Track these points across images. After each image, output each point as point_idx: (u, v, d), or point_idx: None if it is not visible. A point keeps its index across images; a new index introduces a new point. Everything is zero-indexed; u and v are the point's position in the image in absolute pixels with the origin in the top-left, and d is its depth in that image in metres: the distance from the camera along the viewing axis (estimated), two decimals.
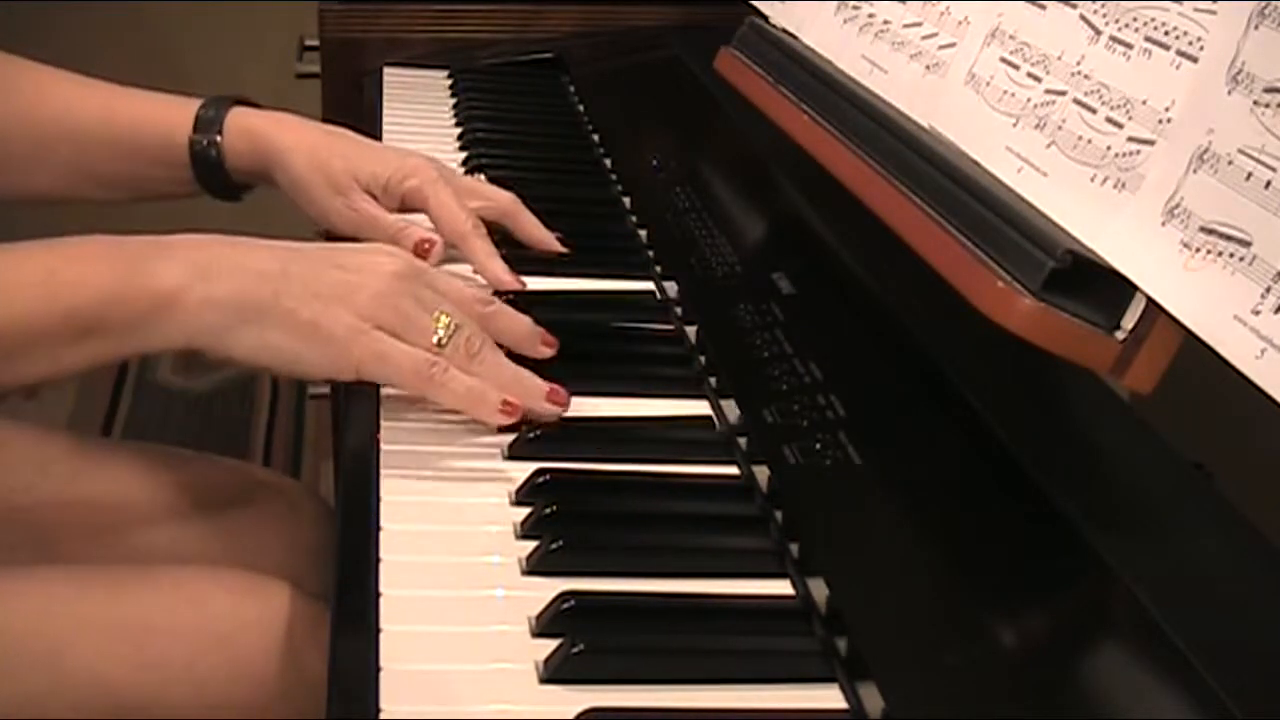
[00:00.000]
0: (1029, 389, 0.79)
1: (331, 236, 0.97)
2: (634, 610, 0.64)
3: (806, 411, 0.76)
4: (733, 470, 0.76)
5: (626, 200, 1.11)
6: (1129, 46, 0.71)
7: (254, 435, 2.29)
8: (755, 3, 1.14)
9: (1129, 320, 0.66)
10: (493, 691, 0.58)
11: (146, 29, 2.35)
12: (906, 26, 0.92)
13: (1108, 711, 0.57)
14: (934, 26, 0.89)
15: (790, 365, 0.80)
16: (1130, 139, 0.69)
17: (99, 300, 0.73)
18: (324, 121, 1.17)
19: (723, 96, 1.15)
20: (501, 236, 0.98)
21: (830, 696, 0.60)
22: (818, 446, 0.73)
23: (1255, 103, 0.61)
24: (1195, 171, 0.64)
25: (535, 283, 0.94)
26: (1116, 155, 0.69)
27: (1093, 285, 0.67)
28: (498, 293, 0.90)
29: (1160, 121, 0.67)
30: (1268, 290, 0.58)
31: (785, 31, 1.08)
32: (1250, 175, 0.61)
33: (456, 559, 0.67)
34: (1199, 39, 0.66)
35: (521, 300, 0.91)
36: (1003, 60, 0.81)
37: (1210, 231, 0.62)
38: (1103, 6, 0.74)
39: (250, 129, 0.98)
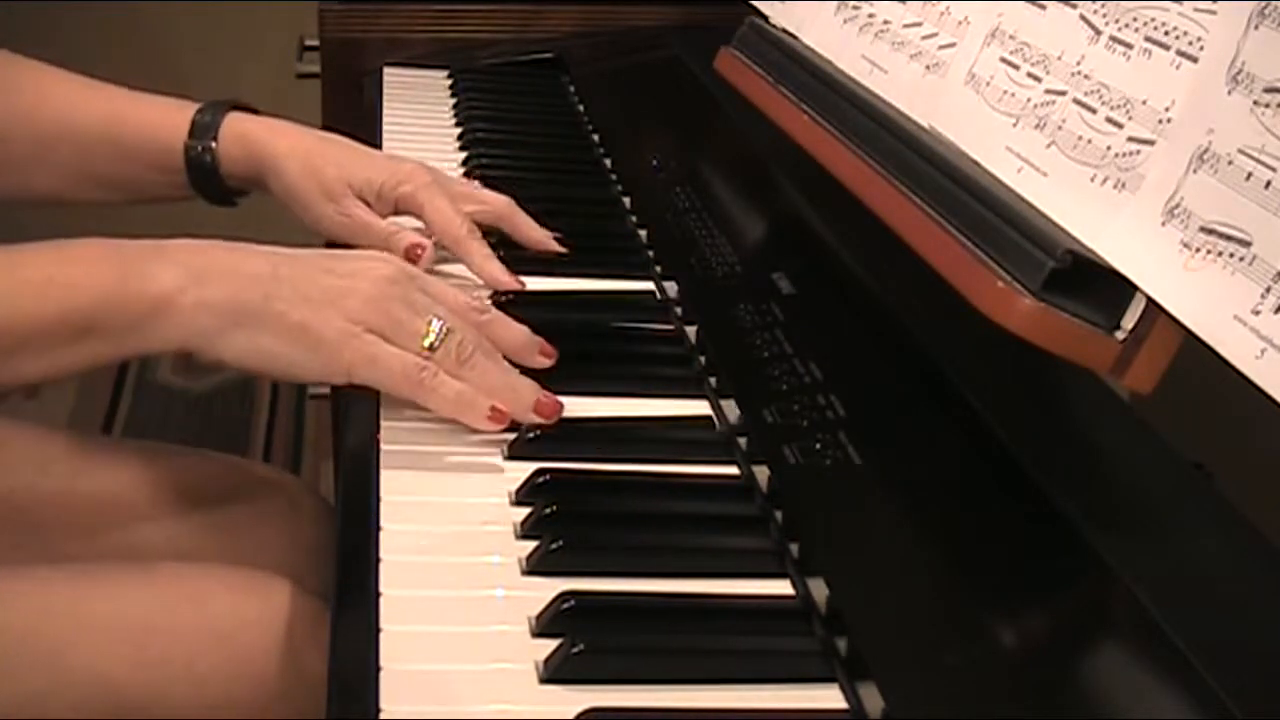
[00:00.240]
0: (1029, 389, 0.79)
1: (333, 244, 0.97)
2: (634, 610, 0.64)
3: (806, 411, 0.76)
4: (733, 470, 0.76)
5: (626, 200, 1.11)
6: (1129, 46, 0.71)
7: (254, 435, 2.29)
8: (755, 3, 1.14)
9: (1129, 320, 0.66)
10: (493, 691, 0.58)
11: (147, 29, 2.35)
12: (906, 26, 0.92)
13: (1108, 711, 0.57)
14: (934, 26, 0.89)
15: (790, 365, 0.80)
16: (1130, 139, 0.69)
17: (96, 302, 0.73)
18: (324, 122, 1.18)
19: (723, 96, 1.15)
20: (499, 239, 0.98)
21: (830, 696, 0.60)
22: (818, 446, 0.73)
23: (1255, 103, 0.61)
24: (1195, 171, 0.64)
25: (535, 283, 0.94)
26: (1116, 155, 0.69)
27: (1093, 285, 0.67)
28: (498, 298, 0.90)
29: (1160, 121, 0.67)
30: (1268, 290, 0.58)
31: (785, 31, 1.08)
32: (1250, 175, 0.61)
33: (456, 559, 0.67)
34: (1199, 39, 0.66)
35: (521, 300, 0.91)
36: (1003, 60, 0.81)
37: (1210, 231, 0.62)
38: (1103, 6, 0.74)
39: (245, 135, 0.98)
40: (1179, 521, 0.69)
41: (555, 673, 0.59)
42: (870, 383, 0.80)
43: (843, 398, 0.76)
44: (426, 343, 0.76)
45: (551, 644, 0.60)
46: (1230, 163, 0.62)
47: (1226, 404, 0.68)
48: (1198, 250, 0.62)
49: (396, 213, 0.97)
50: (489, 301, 0.85)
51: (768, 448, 0.74)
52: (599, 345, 0.88)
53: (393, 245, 0.93)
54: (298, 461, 2.23)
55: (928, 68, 0.88)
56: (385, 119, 1.25)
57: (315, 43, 1.44)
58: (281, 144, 0.98)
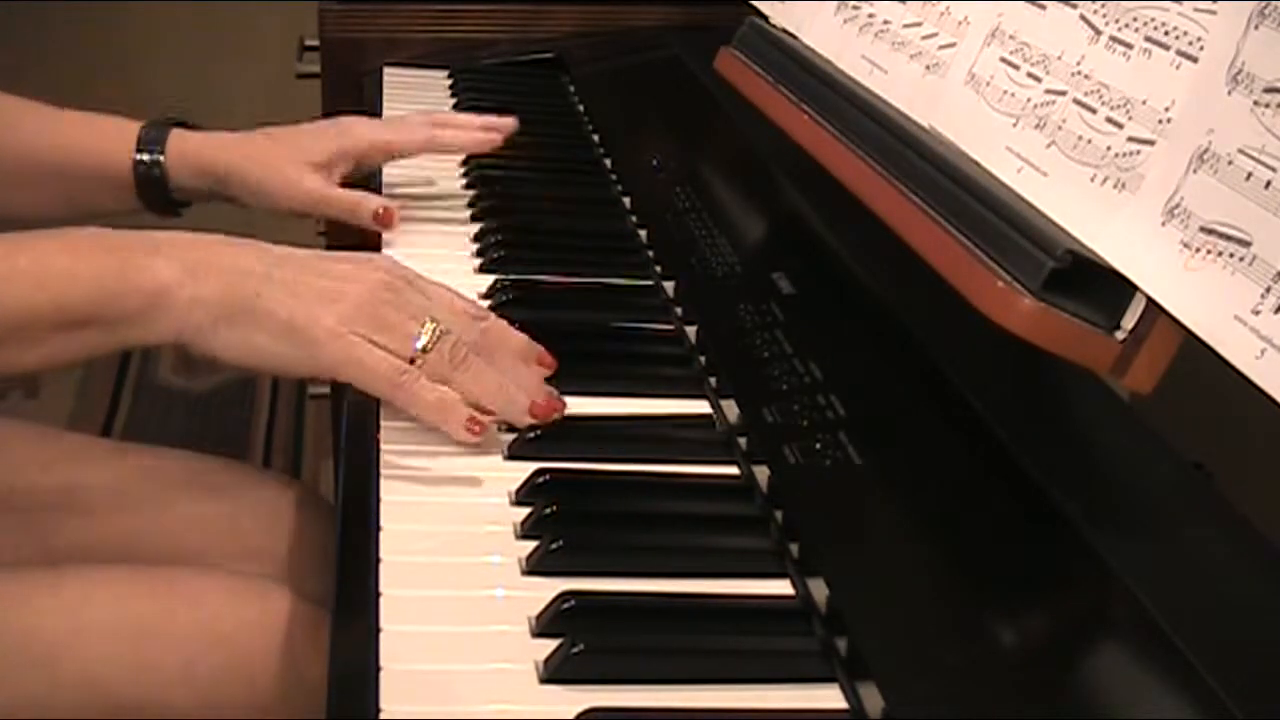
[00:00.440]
0: (1029, 389, 0.79)
1: (331, 245, 0.99)
2: (634, 610, 0.64)
3: (806, 411, 0.76)
4: (733, 470, 0.76)
5: (626, 200, 1.11)
6: (1129, 46, 0.71)
7: (254, 435, 2.29)
8: (755, 3, 1.14)
9: (1129, 320, 0.66)
10: (493, 691, 0.58)
11: (147, 29, 2.35)
12: (906, 26, 0.92)
13: (1108, 711, 0.57)
14: (934, 26, 0.89)
15: (790, 365, 0.80)
16: (1130, 139, 0.69)
17: (93, 293, 0.74)
18: None
19: (723, 96, 1.15)
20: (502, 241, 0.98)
21: (830, 696, 0.60)
22: (818, 446, 0.73)
23: (1255, 103, 0.61)
24: (1195, 171, 0.64)
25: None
26: (1116, 155, 0.69)
27: (1093, 285, 0.67)
28: (502, 296, 0.90)
29: (1160, 121, 0.67)
30: (1268, 290, 0.58)
31: (785, 31, 1.08)
32: (1250, 175, 0.61)
33: (456, 559, 0.67)
34: (1199, 39, 0.66)
35: (521, 300, 0.91)
36: (1003, 60, 0.81)
37: (1210, 231, 0.62)
38: (1103, 6, 0.74)
39: (196, 152, 1.02)
40: (1179, 521, 0.69)
41: (555, 673, 0.59)
42: (870, 383, 0.80)
43: (843, 398, 0.76)
44: (420, 344, 0.75)
45: (551, 644, 0.60)
46: (1230, 163, 0.62)
47: (1226, 404, 0.68)
48: (1198, 250, 0.62)
49: (359, 165, 1.04)
50: (488, 310, 0.85)
51: (768, 448, 0.74)
52: (599, 345, 0.88)
53: (360, 212, 1.00)
54: (298, 461, 2.23)
55: (928, 68, 0.88)
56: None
57: (315, 43, 1.44)
58: (235, 153, 1.01)
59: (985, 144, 0.79)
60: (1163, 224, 0.65)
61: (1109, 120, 0.71)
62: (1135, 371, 0.65)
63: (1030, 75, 0.78)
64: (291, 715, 0.83)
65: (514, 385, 0.77)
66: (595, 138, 1.26)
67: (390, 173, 1.10)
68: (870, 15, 0.97)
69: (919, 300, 0.81)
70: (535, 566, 0.66)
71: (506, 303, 0.91)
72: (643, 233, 1.05)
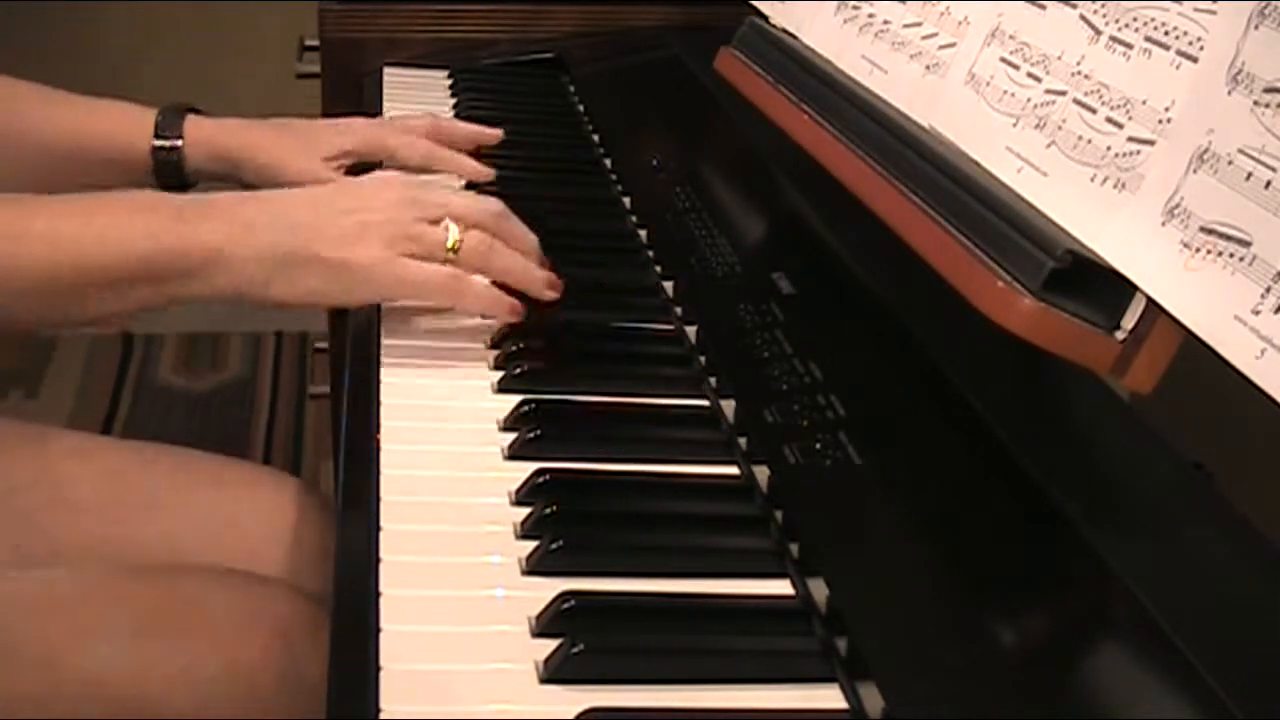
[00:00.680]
0: (1029, 389, 0.79)
1: None
2: (634, 610, 0.64)
3: (806, 411, 0.76)
4: (733, 470, 0.76)
5: (626, 200, 1.11)
6: (1129, 46, 0.71)
7: (254, 435, 2.29)
8: (755, 3, 1.14)
9: (1129, 320, 0.66)
10: (493, 691, 0.58)
11: (147, 29, 2.35)
12: (906, 26, 0.92)
13: (1108, 711, 0.57)
14: (934, 26, 0.89)
15: (790, 365, 0.80)
16: (1130, 139, 0.69)
17: (152, 252, 0.79)
18: None
19: (723, 96, 1.15)
20: None
21: (830, 696, 0.60)
22: (818, 446, 0.73)
23: (1255, 103, 0.61)
24: (1195, 171, 0.64)
25: None
26: (1116, 155, 0.69)
27: (1093, 285, 0.67)
28: None
29: (1160, 121, 0.67)
30: (1268, 290, 0.58)
31: (785, 31, 1.08)
32: (1250, 175, 0.61)
33: (456, 559, 0.67)
34: (1199, 39, 0.66)
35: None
36: (1003, 60, 0.81)
37: (1210, 231, 0.62)
38: (1103, 6, 0.74)
39: (211, 138, 1.04)
40: (1179, 521, 0.69)
41: (555, 673, 0.59)
42: (870, 383, 0.80)
43: (843, 398, 0.76)
44: (449, 246, 0.82)
45: (551, 644, 0.60)
46: (1230, 163, 0.62)
47: (1226, 404, 0.68)
48: (1198, 250, 0.62)
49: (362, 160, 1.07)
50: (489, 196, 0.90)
51: (768, 448, 0.74)
52: (599, 345, 0.88)
53: None
54: (298, 461, 2.23)
55: (928, 68, 0.88)
56: None
57: (315, 43, 1.44)
58: (247, 139, 1.05)
59: (985, 144, 0.79)
60: (1163, 224, 0.65)
61: (1109, 120, 0.71)
62: (1135, 371, 0.65)
63: (1030, 75, 0.78)
64: (291, 712, 0.83)
65: (533, 265, 0.86)
66: (595, 138, 1.26)
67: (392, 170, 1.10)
68: (870, 15, 0.97)
69: (919, 300, 0.81)
70: (535, 566, 0.66)
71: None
72: (643, 233, 1.05)
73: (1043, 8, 0.79)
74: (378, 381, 0.81)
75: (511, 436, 0.76)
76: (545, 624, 0.62)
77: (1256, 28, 0.63)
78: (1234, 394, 0.58)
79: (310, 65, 1.48)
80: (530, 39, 1.44)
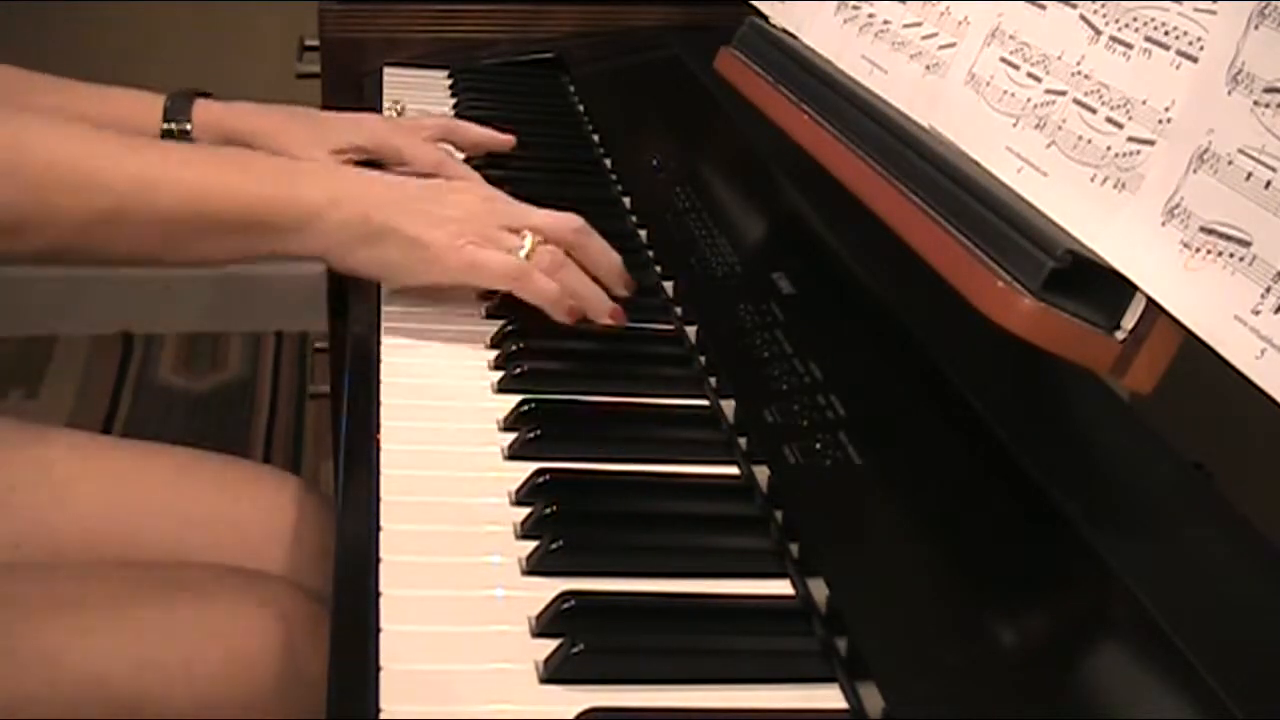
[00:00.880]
0: (1029, 389, 0.79)
1: None
2: (634, 610, 0.64)
3: (806, 411, 0.76)
4: (733, 470, 0.76)
5: (626, 200, 1.11)
6: (1129, 46, 0.71)
7: (254, 435, 2.29)
8: (755, 3, 1.14)
9: (1129, 320, 0.66)
10: (493, 691, 0.58)
11: (147, 28, 2.35)
12: (906, 26, 0.92)
13: (1107, 711, 0.57)
14: (934, 26, 0.89)
15: (790, 365, 0.80)
16: (1130, 139, 0.69)
17: (262, 206, 0.85)
18: None
19: (723, 96, 1.15)
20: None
21: (830, 696, 0.60)
22: (818, 446, 0.73)
23: (1255, 103, 0.61)
24: (1195, 171, 0.64)
25: None
26: (1116, 155, 0.69)
27: (1093, 285, 0.67)
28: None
29: (1160, 121, 0.67)
30: (1268, 290, 0.58)
31: (785, 31, 1.08)
32: (1250, 175, 0.61)
33: (456, 559, 0.67)
34: (1199, 39, 0.66)
35: (520, 299, 0.91)
36: (1003, 60, 0.81)
37: (1210, 231, 0.62)
38: (1103, 6, 0.74)
39: (219, 121, 1.05)
40: (1179, 521, 0.69)
41: (555, 673, 0.59)
42: (870, 383, 0.80)
43: (843, 398, 0.76)
44: (522, 254, 0.87)
45: (551, 644, 0.60)
46: (1230, 163, 0.62)
47: (1226, 404, 0.68)
48: (1198, 250, 0.62)
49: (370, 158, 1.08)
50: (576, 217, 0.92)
51: (768, 448, 0.74)
52: (599, 345, 0.88)
53: None
54: (298, 461, 2.23)
55: (928, 68, 0.88)
56: None
57: (315, 43, 1.44)
58: (256, 123, 1.06)
59: (985, 144, 0.79)
60: (1163, 224, 0.65)
61: (1109, 120, 0.71)
62: (1135, 371, 0.65)
63: (1030, 75, 0.78)
64: (291, 713, 0.83)
65: (600, 289, 0.89)
66: (595, 138, 1.26)
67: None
68: (870, 15, 0.97)
69: (919, 300, 0.81)
70: (535, 566, 0.66)
71: (505, 304, 0.91)
72: (643, 233, 1.05)
73: (1043, 8, 0.79)
74: (378, 381, 0.81)
75: (511, 436, 0.76)
76: (545, 624, 0.62)
77: (1256, 28, 0.63)
78: (1234, 394, 0.58)
79: (310, 65, 1.48)
80: (530, 39, 1.44)
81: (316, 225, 0.85)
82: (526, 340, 0.86)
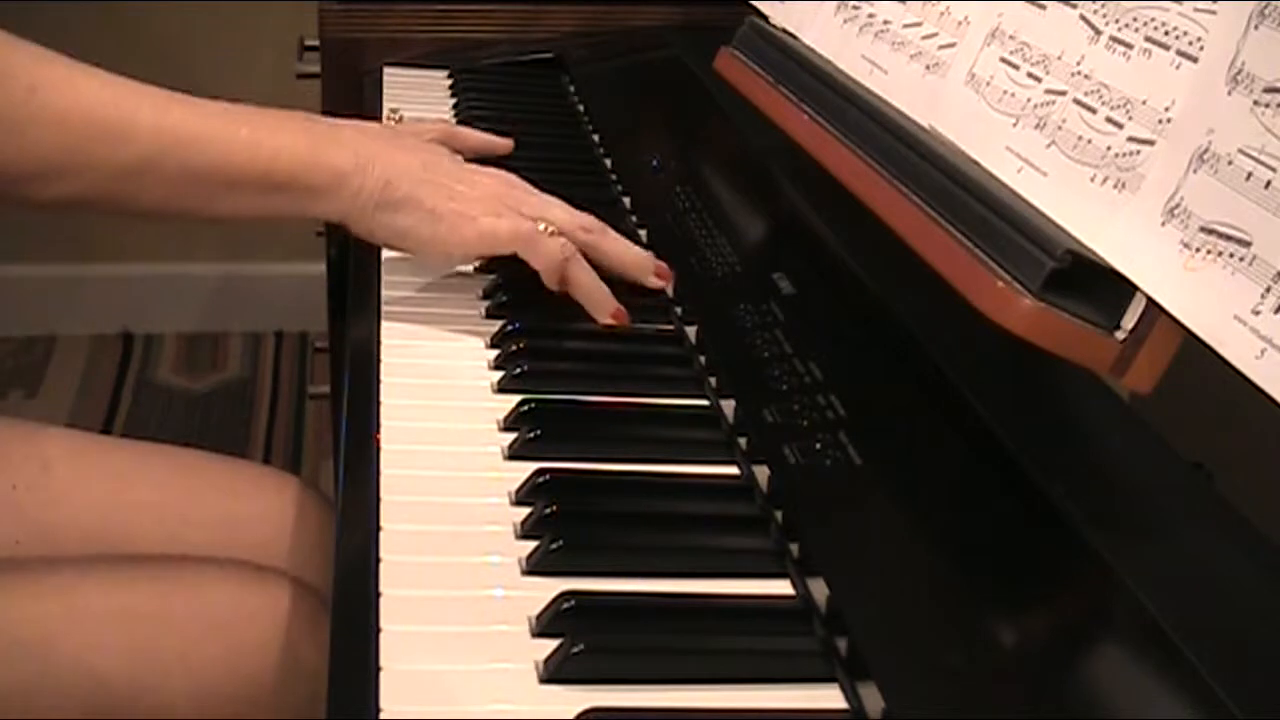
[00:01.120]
0: (1029, 389, 0.79)
1: (330, 242, 1.01)
2: (634, 610, 0.64)
3: (806, 411, 0.76)
4: (733, 470, 0.76)
5: (626, 200, 1.11)
6: (1129, 46, 0.71)
7: (254, 435, 2.29)
8: (755, 3, 1.14)
9: (1129, 320, 0.66)
10: (493, 691, 0.58)
11: (146, 28, 2.35)
12: (906, 26, 0.92)
13: (1108, 711, 0.57)
14: (934, 26, 0.89)
15: (790, 365, 0.80)
16: (1130, 139, 0.69)
17: (291, 167, 0.86)
18: None
19: (723, 96, 1.15)
20: None
21: (830, 696, 0.60)
22: (818, 446, 0.73)
23: (1255, 103, 0.61)
24: (1195, 171, 0.64)
25: None
26: (1116, 155, 0.69)
27: (1093, 285, 0.67)
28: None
29: (1160, 121, 0.67)
30: (1268, 290, 0.58)
31: (785, 31, 1.08)
32: (1250, 175, 0.61)
33: (456, 559, 0.67)
34: (1199, 39, 0.66)
35: (519, 300, 0.91)
36: (1003, 60, 0.81)
37: (1210, 231, 0.62)
38: (1103, 6, 0.74)
39: None
40: (1179, 521, 0.69)
41: (555, 673, 0.59)
42: (870, 383, 0.80)
43: (843, 398, 0.76)
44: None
45: (551, 644, 0.60)
46: (1230, 163, 0.62)
47: (1226, 404, 0.68)
48: (1198, 250, 0.62)
49: None
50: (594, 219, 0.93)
51: (768, 448, 0.74)
52: (598, 345, 0.88)
53: None
54: (298, 461, 2.23)
55: (928, 68, 0.88)
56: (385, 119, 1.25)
57: (315, 43, 1.44)
58: None
59: (985, 144, 0.79)
60: (1163, 224, 0.65)
61: (1109, 120, 0.71)
62: (1135, 371, 0.65)
63: (1030, 75, 0.78)
64: (289, 707, 0.83)
65: (606, 289, 0.90)
66: (595, 138, 1.26)
67: None
68: (870, 15, 0.97)
69: (919, 300, 0.81)
70: (535, 566, 0.66)
71: (505, 304, 0.91)
72: (643, 233, 1.05)
73: (1043, 8, 0.79)
74: (378, 381, 0.81)
75: (511, 436, 0.76)
76: (545, 624, 0.62)
77: (1256, 28, 0.63)
78: (1234, 394, 0.58)
79: (310, 65, 1.48)
80: (530, 39, 1.44)
81: (341, 190, 0.87)
82: (526, 340, 0.86)
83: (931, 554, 0.66)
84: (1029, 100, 0.77)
